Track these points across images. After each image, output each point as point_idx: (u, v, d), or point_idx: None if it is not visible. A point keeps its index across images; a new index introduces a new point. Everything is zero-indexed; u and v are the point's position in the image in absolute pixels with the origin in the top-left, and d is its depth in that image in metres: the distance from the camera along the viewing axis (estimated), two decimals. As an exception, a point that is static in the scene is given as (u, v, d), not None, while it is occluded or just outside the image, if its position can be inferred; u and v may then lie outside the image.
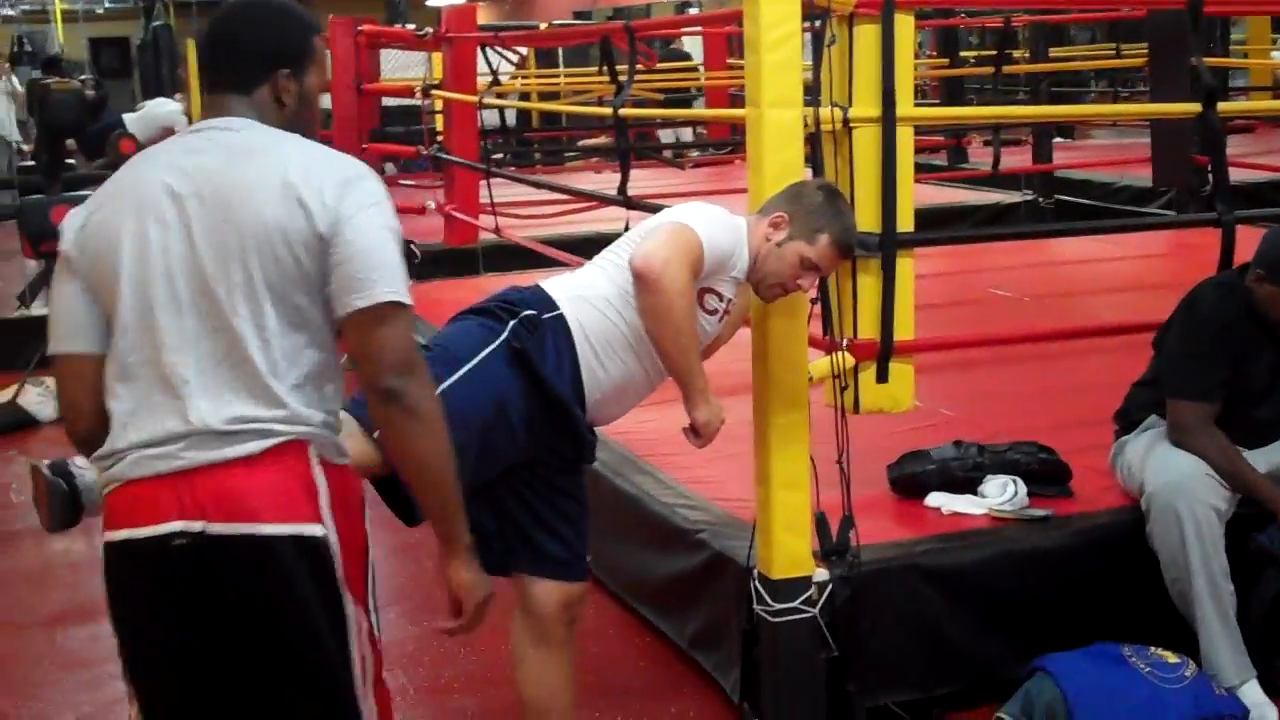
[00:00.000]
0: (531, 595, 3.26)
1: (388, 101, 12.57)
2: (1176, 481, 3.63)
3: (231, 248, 2.22)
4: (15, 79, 14.78)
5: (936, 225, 8.35)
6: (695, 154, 13.25)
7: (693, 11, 17.86)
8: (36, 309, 8.23)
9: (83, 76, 13.79)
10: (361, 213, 2.24)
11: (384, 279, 2.23)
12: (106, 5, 29.10)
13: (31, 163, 10.80)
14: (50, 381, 7.50)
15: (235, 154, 2.27)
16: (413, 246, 10.61)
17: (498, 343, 3.09)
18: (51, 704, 4.17)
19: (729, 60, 12.90)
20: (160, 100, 13.99)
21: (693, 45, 15.00)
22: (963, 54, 12.72)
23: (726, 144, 12.55)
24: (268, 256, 2.22)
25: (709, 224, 3.17)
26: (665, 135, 14.28)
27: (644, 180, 9.05)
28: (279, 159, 2.26)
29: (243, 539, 2.21)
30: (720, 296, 3.28)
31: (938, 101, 12.93)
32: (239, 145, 2.29)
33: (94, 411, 2.31)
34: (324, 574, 2.26)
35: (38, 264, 8.07)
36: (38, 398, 7.42)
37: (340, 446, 2.34)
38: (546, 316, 3.14)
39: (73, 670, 4.39)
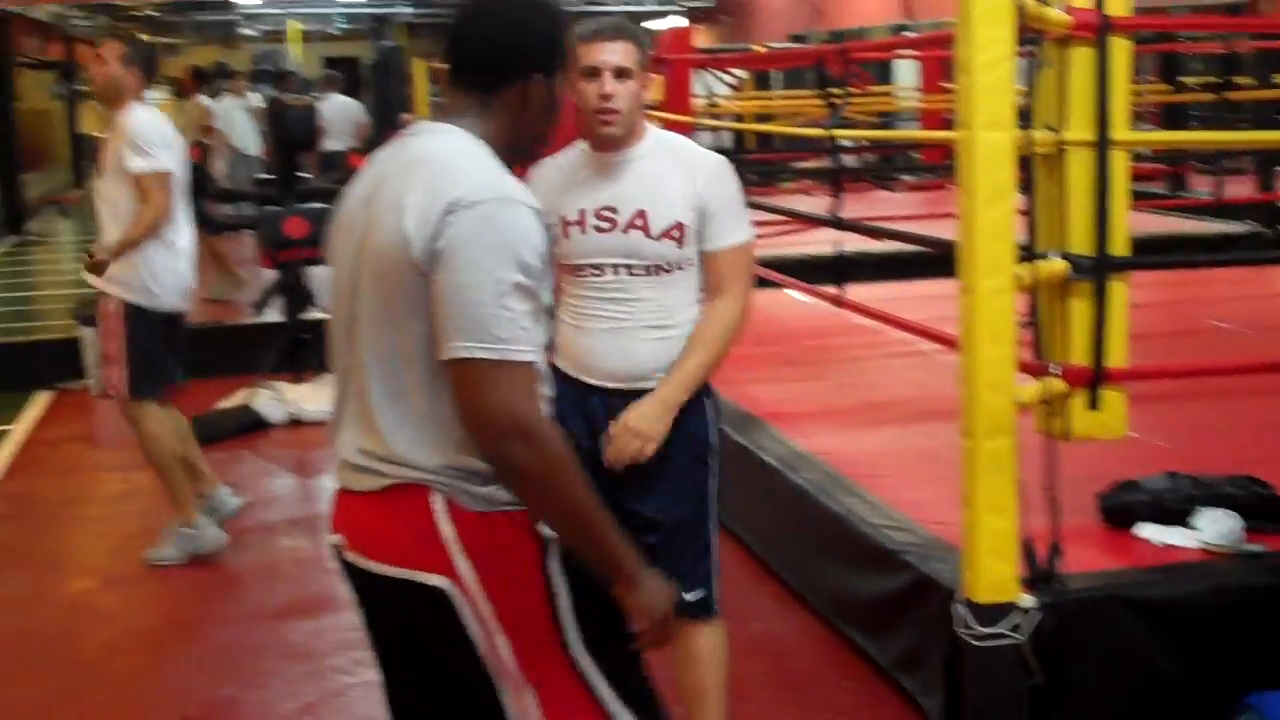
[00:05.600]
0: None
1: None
2: None
3: (365, 271, 2.14)
4: (254, 96, 15.44)
5: (1154, 254, 8.18)
6: (908, 178, 13.19)
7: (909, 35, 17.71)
8: (270, 316, 8.60)
9: (316, 94, 14.31)
10: (462, 247, 2.02)
11: (462, 330, 2.02)
12: (340, 27, 30.22)
13: (267, 175, 11.26)
14: (280, 386, 7.87)
15: (400, 166, 2.16)
16: None
17: None
18: (276, 693, 4.38)
19: (941, 84, 12.83)
20: None
21: (909, 69, 14.96)
22: (1184, 80, 12.39)
23: (939, 168, 12.48)
24: (386, 282, 2.10)
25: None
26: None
27: (856, 204, 9.05)
28: (420, 176, 2.10)
29: (360, 568, 2.22)
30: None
31: (1157, 128, 12.64)
32: (408, 157, 2.17)
33: None
34: (451, 626, 2.15)
35: (273, 273, 8.41)
36: (269, 401, 7.76)
37: (483, 493, 2.14)
38: None
39: (297, 661, 4.60)
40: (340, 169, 12.49)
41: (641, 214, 3.10)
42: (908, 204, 11.37)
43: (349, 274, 2.18)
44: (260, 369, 7.94)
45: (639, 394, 3.16)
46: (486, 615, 2.14)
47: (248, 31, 30.38)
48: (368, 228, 2.13)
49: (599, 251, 3.14)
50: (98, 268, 5.35)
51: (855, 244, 7.04)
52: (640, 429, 3.10)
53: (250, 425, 7.64)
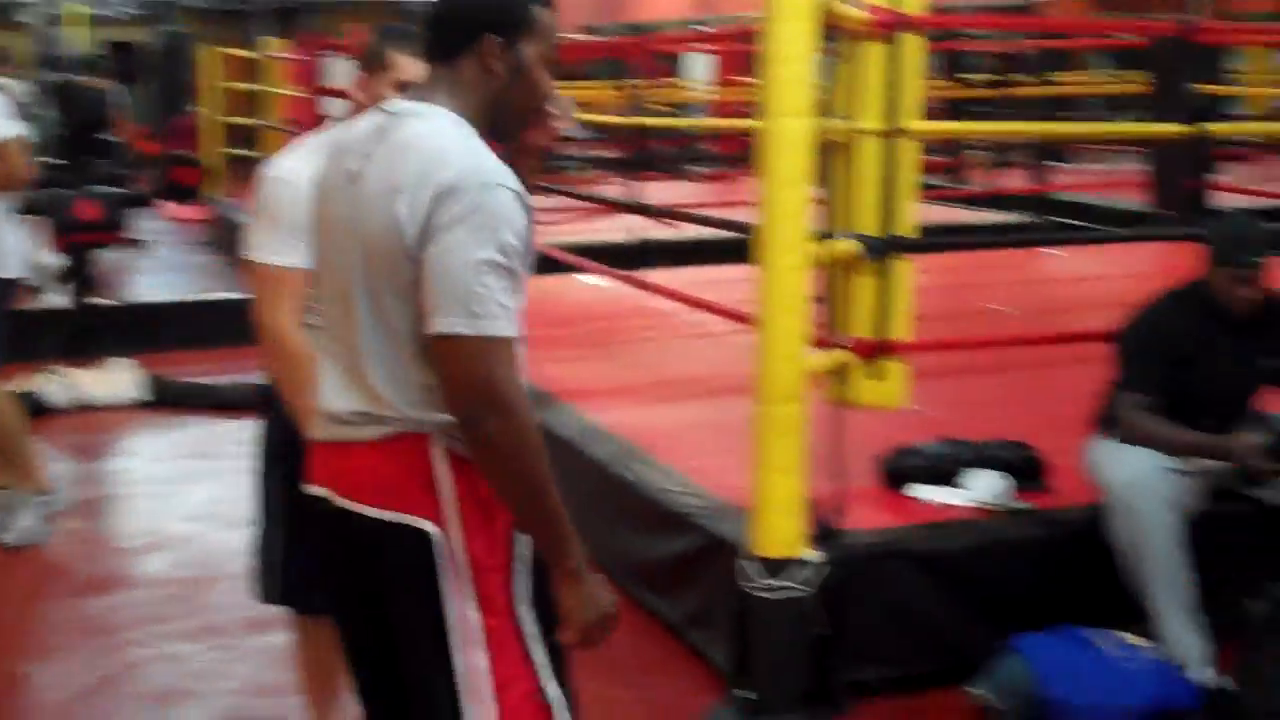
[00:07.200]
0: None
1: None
2: (1130, 478, 3.79)
3: (358, 250, 2.19)
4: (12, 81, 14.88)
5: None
6: (700, 169, 13.45)
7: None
8: (53, 301, 8.38)
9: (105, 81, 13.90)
10: (450, 230, 2.09)
11: (446, 306, 2.09)
12: (125, 11, 29.34)
13: (59, 160, 10.95)
14: (65, 371, 7.68)
15: (389, 148, 2.19)
16: None
17: None
18: (73, 667, 4.33)
19: (733, 77, 13.13)
20: None
21: (698, 62, 15.24)
22: (967, 77, 12.91)
23: (729, 159, 12.80)
24: (381, 264, 2.16)
25: None
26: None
27: (653, 191, 9.22)
28: (410, 161, 2.15)
29: (354, 516, 2.24)
30: None
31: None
32: (396, 139, 2.19)
33: None
34: (425, 571, 2.19)
35: (62, 256, 8.22)
36: (54, 386, 7.58)
37: None
38: None
39: (93, 636, 4.56)
40: (126, 155, 12.25)
41: None
42: (700, 192, 11.59)
43: (339, 249, 2.23)
44: (44, 354, 7.74)
45: None
46: (461, 563, 2.20)
47: (25, 19, 29.29)
48: (359, 207, 2.19)
49: None
50: None
51: (646, 231, 7.20)
52: None
53: (33, 411, 7.42)
